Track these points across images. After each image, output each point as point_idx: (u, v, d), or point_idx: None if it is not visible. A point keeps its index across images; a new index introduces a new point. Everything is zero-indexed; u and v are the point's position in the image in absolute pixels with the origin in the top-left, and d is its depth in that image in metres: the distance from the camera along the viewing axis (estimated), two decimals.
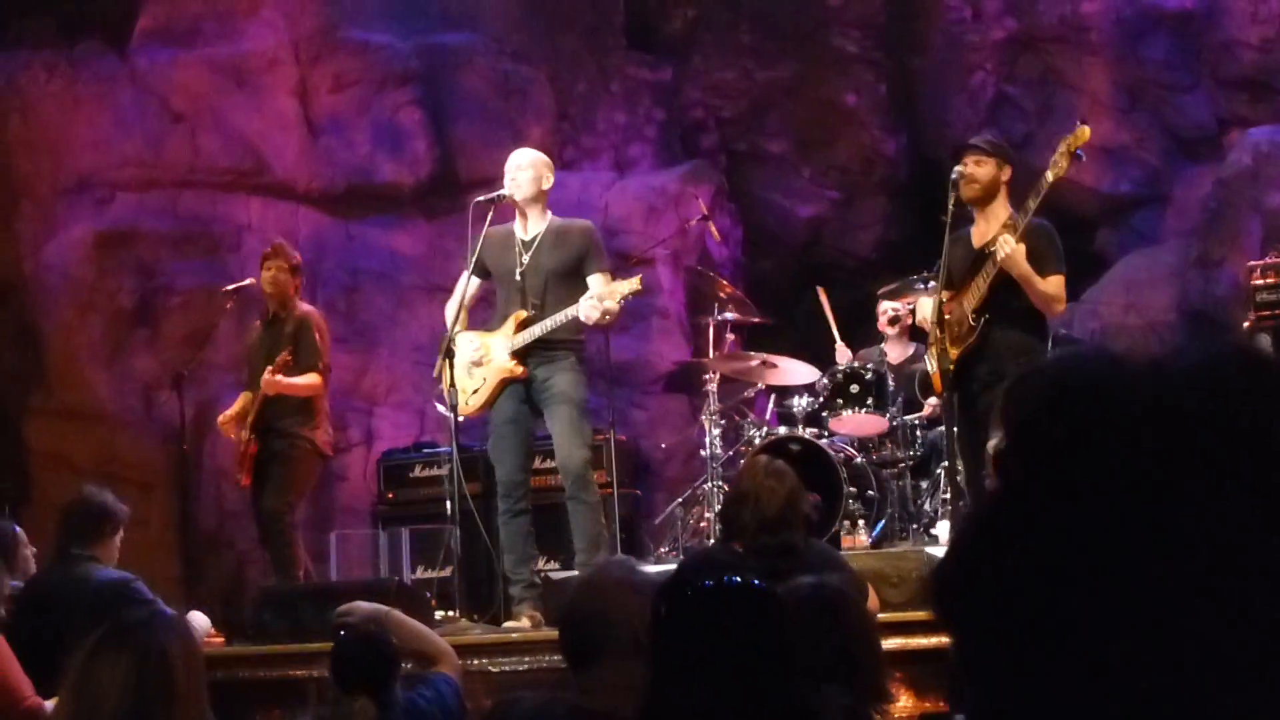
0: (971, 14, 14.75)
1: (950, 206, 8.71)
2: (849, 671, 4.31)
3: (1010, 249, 8.33)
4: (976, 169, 8.67)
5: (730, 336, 12.11)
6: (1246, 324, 11.03)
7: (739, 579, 3.62)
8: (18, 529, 8.65)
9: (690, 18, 15.64)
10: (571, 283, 9.14)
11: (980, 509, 1.49)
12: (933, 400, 10.72)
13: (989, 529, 1.48)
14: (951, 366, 8.65)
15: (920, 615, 7.93)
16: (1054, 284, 8.47)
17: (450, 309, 9.52)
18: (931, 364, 8.93)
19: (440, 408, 9.78)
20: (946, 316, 8.70)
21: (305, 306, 10.92)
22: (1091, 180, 13.98)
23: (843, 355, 11.84)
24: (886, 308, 11.82)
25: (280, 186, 14.37)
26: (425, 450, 12.78)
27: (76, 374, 13.85)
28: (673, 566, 9.38)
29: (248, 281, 11.81)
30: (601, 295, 8.91)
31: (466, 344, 9.44)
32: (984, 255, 8.59)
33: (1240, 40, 13.58)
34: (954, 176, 8.79)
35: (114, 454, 13.60)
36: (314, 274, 14.21)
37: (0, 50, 14.54)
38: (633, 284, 9.01)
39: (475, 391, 9.37)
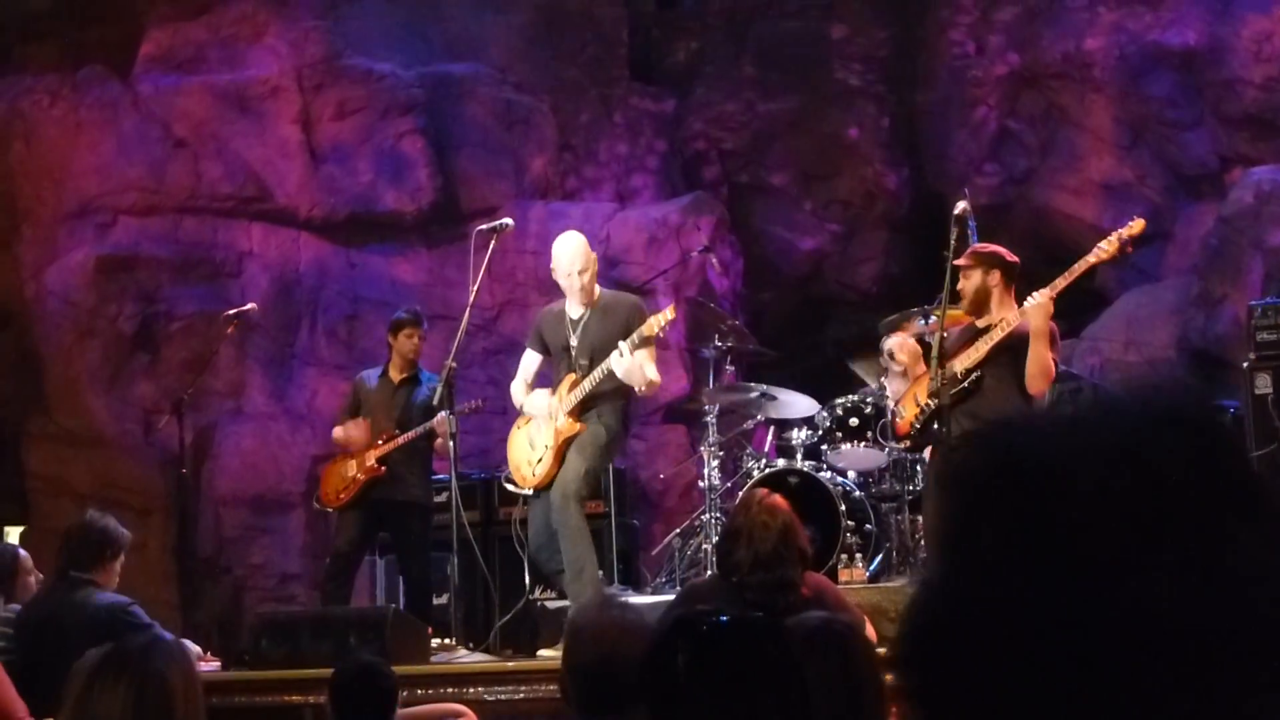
0: (975, 49, 14.80)
1: (953, 241, 8.77)
2: (854, 708, 4.31)
3: (1043, 300, 8.41)
4: (965, 283, 8.81)
5: (729, 369, 12.12)
6: (1246, 364, 11.06)
7: (744, 618, 3.64)
8: (22, 553, 8.68)
9: (693, 50, 15.71)
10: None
11: (926, 582, 1.52)
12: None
13: (934, 603, 1.51)
14: (924, 411, 8.81)
15: None
16: (1050, 361, 8.58)
17: (515, 387, 9.81)
18: (903, 411, 9.09)
19: (510, 486, 9.98)
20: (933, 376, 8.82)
21: (432, 373, 11.18)
22: (1093, 216, 14.01)
23: None
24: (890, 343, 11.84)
25: (282, 213, 14.39)
26: None
27: (76, 398, 13.86)
28: (666, 598, 9.39)
29: (248, 307, 11.88)
30: (632, 341, 9.07)
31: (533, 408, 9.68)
32: (985, 331, 8.74)
33: (1243, 79, 13.62)
34: (957, 211, 8.85)
35: (113, 478, 13.61)
36: (314, 301, 14.25)
37: (4, 75, 14.59)
38: (661, 318, 9.16)
39: (539, 460, 9.53)
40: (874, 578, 10.77)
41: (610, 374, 9.19)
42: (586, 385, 9.31)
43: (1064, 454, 1.44)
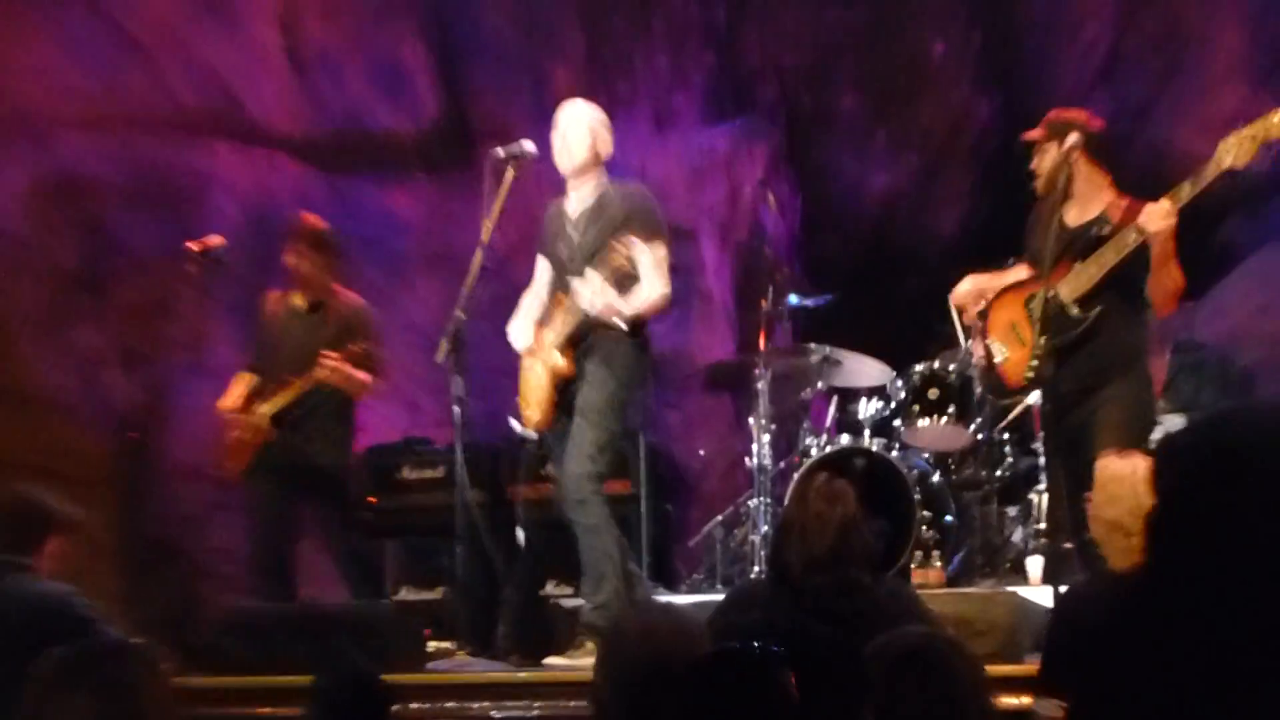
0: None
1: (1060, 185, 8.67)
2: None
3: (1166, 222, 8.18)
4: (1039, 160, 8.71)
5: (785, 326, 12.09)
6: None
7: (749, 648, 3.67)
8: None
9: None
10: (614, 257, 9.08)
11: (1122, 582, 1.52)
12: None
13: (1132, 608, 1.52)
14: (1036, 363, 8.62)
15: (1010, 669, 7.88)
16: (1181, 279, 8.43)
17: (525, 298, 9.72)
18: (1001, 349, 8.92)
19: (516, 425, 9.79)
20: (1029, 303, 8.70)
21: (353, 297, 11.00)
22: None
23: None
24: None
25: (256, 131, 14.34)
26: (417, 448, 12.73)
27: (6, 347, 13.81)
28: (709, 598, 9.35)
29: (214, 242, 11.73)
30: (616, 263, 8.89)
31: (527, 340, 9.55)
32: (1089, 236, 8.54)
33: None
34: (1063, 148, 8.76)
35: (46, 443, 13.54)
36: None
37: None
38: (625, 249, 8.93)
39: (536, 402, 9.44)
40: (953, 580, 10.74)
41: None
42: (571, 319, 9.18)
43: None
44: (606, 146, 9.39)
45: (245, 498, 11.06)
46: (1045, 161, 8.71)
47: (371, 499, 12.55)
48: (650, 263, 9.06)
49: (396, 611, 9.60)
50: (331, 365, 10.43)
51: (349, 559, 10.88)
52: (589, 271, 8.85)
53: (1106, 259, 8.39)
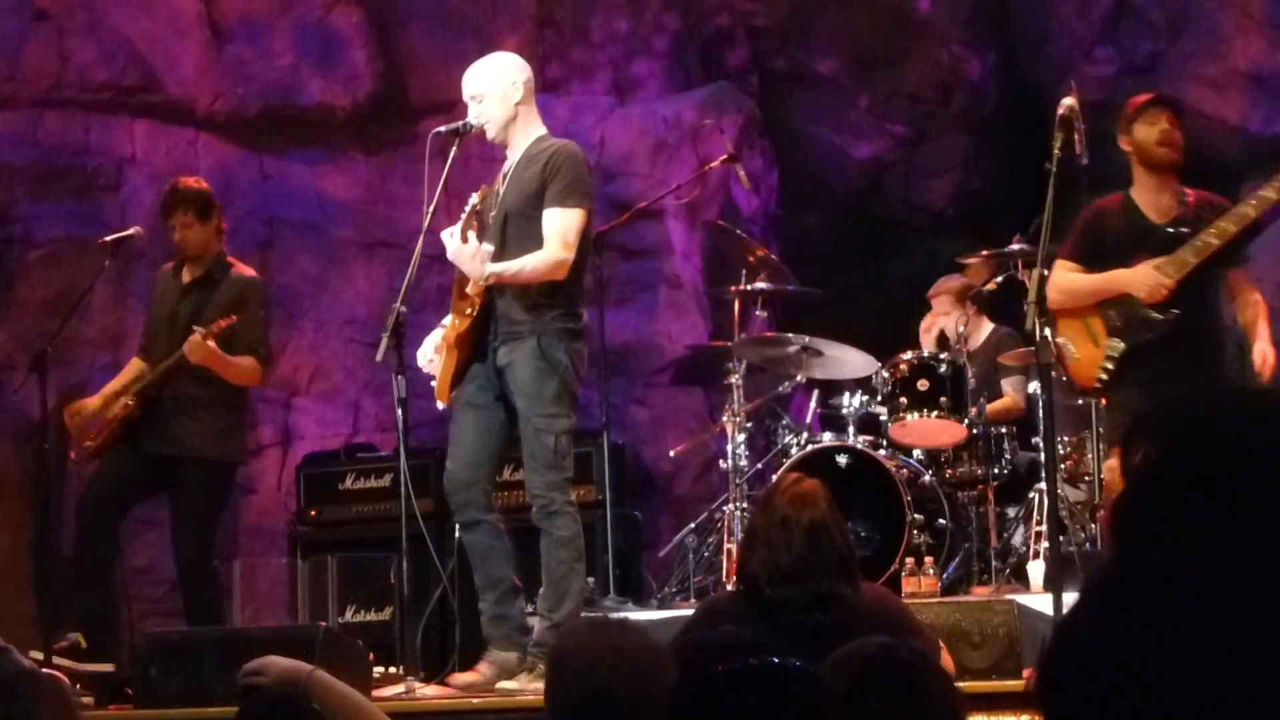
0: None
1: (1056, 150, 8.69)
2: None
3: None
4: (1176, 134, 8.84)
5: (761, 314, 12.12)
6: None
7: (772, 661, 3.65)
8: None
9: None
10: (535, 223, 9.02)
11: (1094, 581, 1.51)
12: (1007, 398, 10.84)
13: (1103, 609, 1.49)
14: (1110, 365, 8.72)
15: (1009, 685, 7.93)
16: None
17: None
18: (1073, 350, 8.95)
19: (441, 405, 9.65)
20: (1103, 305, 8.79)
21: (246, 269, 10.93)
22: (1237, 117, 13.97)
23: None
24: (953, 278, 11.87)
25: (174, 107, 14.35)
26: (360, 455, 12.77)
27: None
28: (681, 613, 9.38)
29: (130, 231, 11.73)
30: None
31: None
32: (1175, 236, 8.67)
33: None
34: (1061, 111, 8.79)
35: None
36: None
37: None
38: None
39: (440, 372, 9.32)
40: (949, 588, 10.78)
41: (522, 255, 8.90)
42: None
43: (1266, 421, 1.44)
44: (518, 90, 9.23)
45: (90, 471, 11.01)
46: (1180, 136, 8.81)
47: (312, 512, 12.59)
48: (556, 225, 8.92)
49: (338, 634, 9.56)
50: (196, 343, 10.31)
51: (197, 573, 10.77)
52: (556, 217, 8.76)
53: (1186, 259, 8.54)
